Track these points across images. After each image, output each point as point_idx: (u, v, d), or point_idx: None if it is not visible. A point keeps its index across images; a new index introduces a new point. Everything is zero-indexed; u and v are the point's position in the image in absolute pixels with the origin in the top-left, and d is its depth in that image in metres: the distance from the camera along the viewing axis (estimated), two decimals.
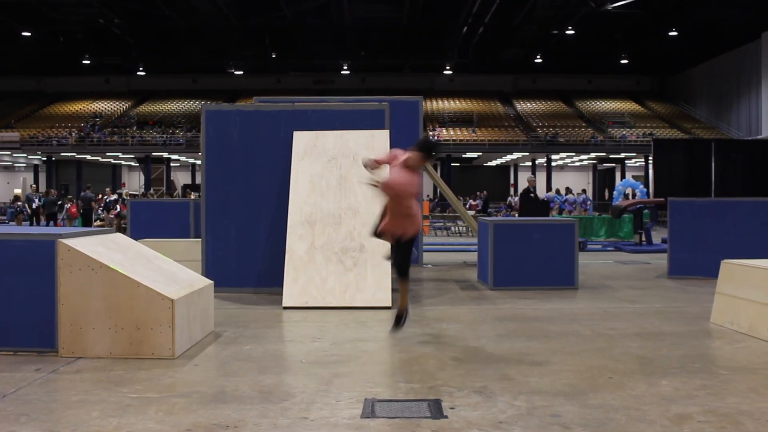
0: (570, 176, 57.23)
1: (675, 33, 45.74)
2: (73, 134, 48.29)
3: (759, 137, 45.18)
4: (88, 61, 51.19)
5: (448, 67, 55.14)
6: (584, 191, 35.05)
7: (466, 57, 51.80)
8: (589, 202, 32.04)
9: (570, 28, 44.17)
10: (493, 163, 58.20)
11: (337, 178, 9.96)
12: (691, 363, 6.20)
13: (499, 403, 4.94)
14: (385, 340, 7.47)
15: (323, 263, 9.34)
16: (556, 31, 45.17)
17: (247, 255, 10.53)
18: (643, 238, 19.14)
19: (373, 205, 9.59)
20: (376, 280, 9.17)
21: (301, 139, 10.38)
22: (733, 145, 35.88)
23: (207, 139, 10.81)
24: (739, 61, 52.48)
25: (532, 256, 10.93)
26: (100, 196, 30.49)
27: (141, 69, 54.46)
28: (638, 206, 19.87)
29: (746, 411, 4.79)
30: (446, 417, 4.62)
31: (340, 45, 48.58)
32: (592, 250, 18.24)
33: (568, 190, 33.27)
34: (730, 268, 7.99)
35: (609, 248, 18.77)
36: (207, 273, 9.92)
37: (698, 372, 5.89)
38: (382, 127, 10.55)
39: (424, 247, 13.91)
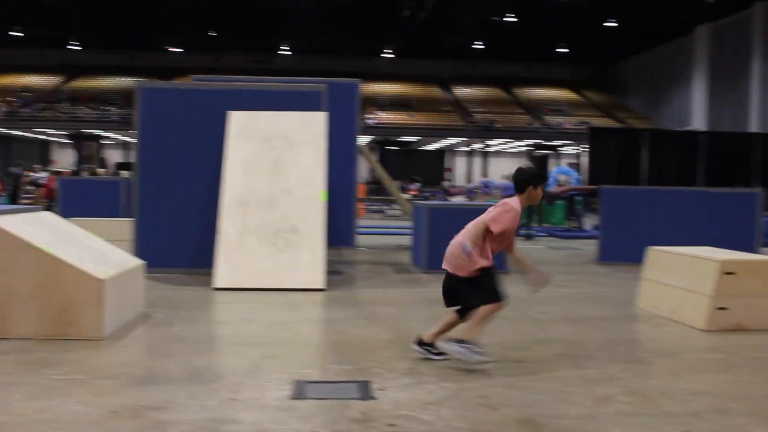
0: (506, 162, 57.85)
1: (614, 24, 46.47)
2: (2, 109, 46.92)
3: (688, 128, 46.32)
4: (19, 33, 49.68)
5: (389, 51, 55.11)
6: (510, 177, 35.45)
7: (407, 41, 51.84)
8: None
9: (510, 15, 44.52)
10: (430, 147, 58.46)
11: (271, 159, 9.89)
12: (616, 347, 6.36)
13: (429, 384, 4.99)
14: (316, 322, 7.49)
15: (256, 245, 9.29)
16: (496, 18, 45.47)
17: (180, 235, 10.41)
18: (576, 224, 19.48)
19: (309, 186, 9.58)
20: (308, 262, 9.16)
21: (236, 120, 10.27)
22: (665, 135, 36.73)
23: (141, 117, 10.63)
24: (674, 54, 53.65)
25: None
26: (28, 172, 29.72)
27: (75, 43, 53.07)
28: (571, 193, 20.21)
29: (665, 392, 4.93)
30: (375, 398, 4.65)
31: (281, 25, 48.08)
32: (523, 236, 18.48)
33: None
34: (655, 254, 8.21)
35: (541, 234, 19.05)
36: (139, 253, 9.77)
37: (622, 355, 6.05)
38: (319, 109, 10.51)
39: (359, 230, 13.94)
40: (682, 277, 7.55)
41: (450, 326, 5.61)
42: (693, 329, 7.07)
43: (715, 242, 9.20)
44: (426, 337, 5.67)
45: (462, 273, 5.45)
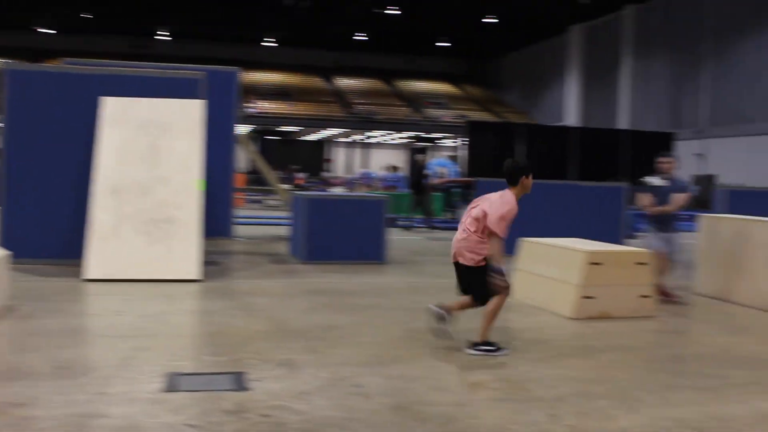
0: (386, 154, 58.31)
1: (493, 20, 47.52)
2: None
3: (561, 124, 47.98)
4: None
5: (270, 40, 54.56)
6: (396, 168, 35.84)
7: (289, 30, 51.46)
8: (402, 180, 32.81)
9: (392, 7, 44.85)
10: (311, 137, 58.31)
11: (146, 146, 9.63)
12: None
13: (304, 374, 5.00)
14: (191, 314, 7.37)
15: (130, 234, 9.04)
16: (379, 10, 45.73)
17: (50, 225, 10.01)
18: (453, 216, 19.86)
19: (185, 174, 9.39)
20: (184, 253, 8.99)
21: (110, 105, 9.95)
22: (539, 130, 37.92)
23: (9, 101, 10.14)
24: (549, 51, 55.42)
25: (344, 231, 11.10)
26: None
27: None
28: (449, 185, 20.58)
29: (534, 378, 5.12)
30: (250, 389, 4.63)
31: (159, 8, 46.79)
32: (403, 227, 18.72)
33: (395, 168, 33.95)
34: (528, 246, 8.48)
35: (421, 225, 19.32)
36: (4, 243, 9.34)
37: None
38: (197, 97, 10.31)
39: (237, 220, 13.77)
40: (552, 267, 7.84)
41: (465, 305, 5.97)
42: (562, 317, 7.35)
43: (584, 234, 9.59)
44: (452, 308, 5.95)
45: (471, 262, 5.76)
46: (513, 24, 49.46)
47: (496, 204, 5.74)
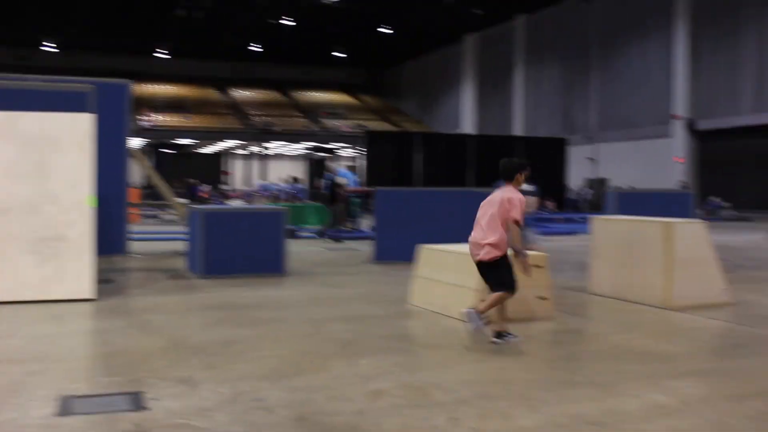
0: (285, 165, 58.05)
1: (389, 30, 47.96)
2: None
3: (458, 132, 48.79)
4: None
5: (163, 51, 53.56)
6: (296, 179, 35.72)
7: (182, 41, 50.64)
8: (301, 191, 32.72)
9: (287, 18, 44.72)
10: (208, 150, 57.50)
11: (33, 163, 9.27)
12: (389, 342, 6.56)
13: (204, 391, 4.90)
14: (85, 334, 7.14)
15: (17, 254, 8.68)
16: (273, 21, 45.52)
17: None
18: (353, 225, 19.89)
19: (75, 191, 9.09)
20: (76, 271, 8.69)
21: None
22: (437, 138, 38.49)
23: None
24: (444, 60, 56.34)
25: (243, 244, 10.97)
26: None
27: None
28: (349, 195, 20.60)
29: (435, 383, 5.16)
30: (148, 409, 4.51)
31: (45, 19, 45.30)
32: (303, 238, 18.65)
33: (296, 180, 33.78)
34: (426, 252, 8.56)
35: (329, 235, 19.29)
36: None
37: (395, 350, 6.25)
38: (86, 110, 10.00)
39: (132, 236, 13.43)
40: (450, 273, 7.93)
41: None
42: (461, 322, 7.43)
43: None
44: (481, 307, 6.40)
45: (487, 257, 6.32)
46: (408, 34, 50.10)
47: (505, 199, 6.33)
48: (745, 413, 4.54)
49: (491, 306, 6.37)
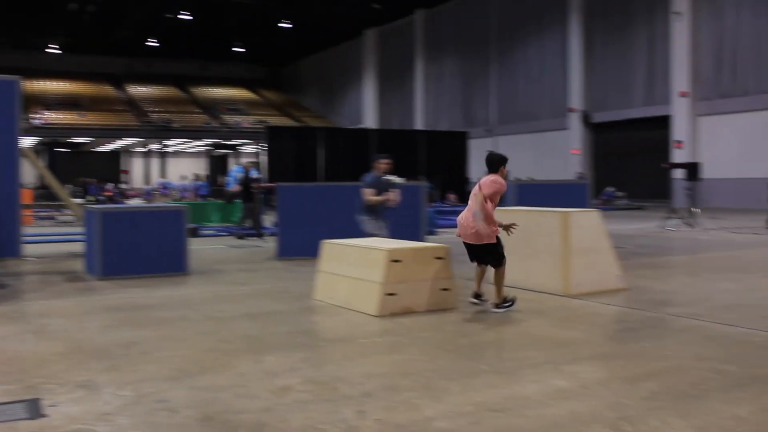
0: (185, 162, 57.02)
1: (288, 25, 47.63)
2: None
3: (361, 126, 48.92)
4: None
5: (54, 46, 51.78)
6: (198, 177, 35.15)
7: (75, 36, 49.06)
8: (203, 188, 32.21)
9: (185, 12, 43.88)
10: (105, 148, 55.97)
11: None
12: (294, 338, 6.55)
13: (105, 394, 4.78)
14: None
15: None
16: (170, 15, 44.59)
17: None
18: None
19: None
20: None
21: None
22: (339, 133, 38.49)
23: None
24: (345, 55, 56.36)
25: (142, 243, 10.73)
26: None
27: None
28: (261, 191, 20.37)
29: (341, 377, 5.17)
30: (46, 416, 4.36)
31: None
32: (206, 236, 18.38)
33: (199, 177, 33.17)
34: (329, 247, 8.56)
35: (223, 233, 19.05)
36: None
37: (301, 346, 6.23)
38: None
39: (26, 238, 12.96)
40: (354, 267, 7.96)
41: (483, 274, 7.98)
42: (366, 316, 7.48)
43: (387, 232, 9.83)
44: (481, 291, 7.97)
45: (486, 240, 7.58)
46: (308, 29, 49.90)
47: (488, 181, 7.62)
48: (639, 394, 4.71)
49: (502, 285, 7.72)
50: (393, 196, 10.11)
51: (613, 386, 4.94)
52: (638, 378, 5.10)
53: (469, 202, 7.74)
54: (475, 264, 7.98)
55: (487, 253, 7.74)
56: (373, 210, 10.06)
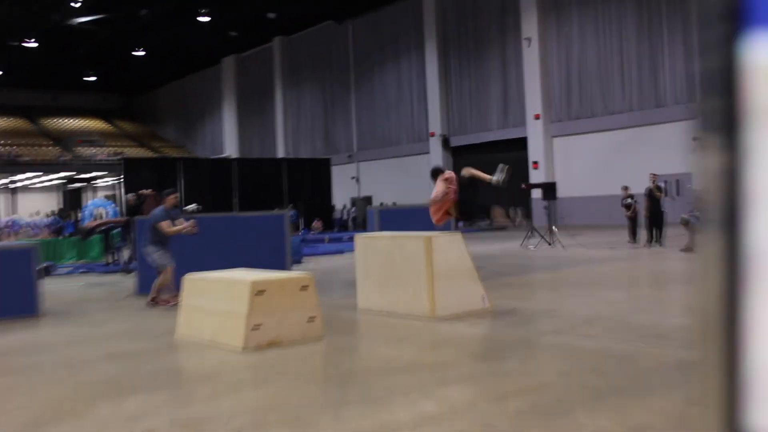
0: (38, 198, 54.37)
1: (142, 53, 46.49)
2: None
3: (222, 156, 48.25)
4: None
5: None
6: (55, 212, 33.64)
7: None
8: (68, 225, 30.79)
9: (32, 40, 42.05)
10: None
11: None
12: (157, 378, 6.29)
13: None
14: None
15: None
16: (16, 43, 42.61)
17: None
18: (114, 258, 18.99)
19: None
20: None
21: None
22: (200, 163, 37.80)
23: None
24: (203, 84, 55.53)
25: None
26: None
27: None
28: (108, 226, 19.66)
29: (208, 416, 5.00)
30: None
31: None
32: (61, 274, 17.55)
33: (55, 213, 31.58)
34: (191, 281, 8.31)
35: (80, 270, 18.24)
36: None
37: (164, 386, 5.99)
38: None
39: None
40: (218, 301, 7.75)
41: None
42: (232, 350, 7.27)
43: (253, 263, 9.65)
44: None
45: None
46: (163, 56, 48.86)
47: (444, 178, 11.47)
48: (507, 413, 4.78)
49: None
50: (190, 225, 10.96)
51: (482, 407, 4.99)
52: (505, 397, 5.18)
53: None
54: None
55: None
56: (162, 241, 10.72)
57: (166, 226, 10.70)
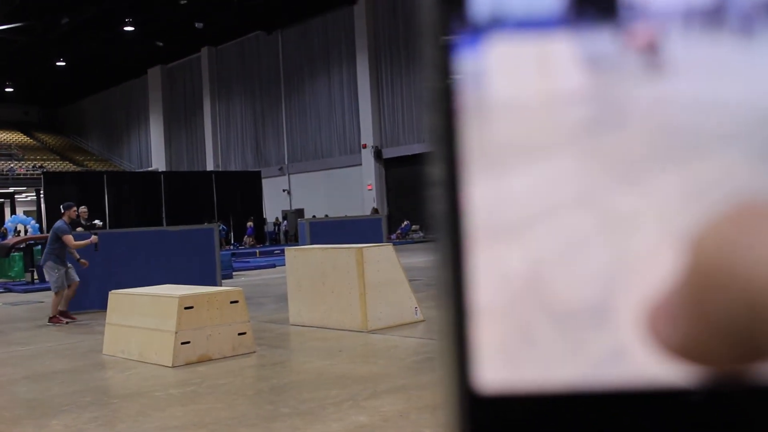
0: None
1: (63, 63, 45.48)
2: None
3: (149, 169, 47.45)
4: None
5: None
6: None
7: None
8: None
9: None
10: None
11: None
12: (82, 397, 6.11)
13: None
14: None
15: None
16: None
17: None
18: (36, 276, 18.44)
19: None
20: None
21: None
22: (125, 177, 37.13)
23: None
24: (128, 95, 54.57)
25: None
26: None
27: None
28: (29, 242, 19.10)
29: None
30: None
31: None
32: None
33: None
34: (117, 298, 8.13)
35: None
36: None
37: (90, 405, 5.83)
38: None
39: None
40: (145, 317, 7.59)
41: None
42: (161, 367, 7.13)
43: (183, 278, 9.49)
44: None
45: None
46: (87, 67, 47.84)
47: None
48: (438, 422, 4.78)
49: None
50: (94, 238, 10.91)
51: (413, 417, 4.99)
52: (437, 407, 5.18)
53: None
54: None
55: None
56: (61, 256, 10.61)
57: (71, 239, 10.62)
